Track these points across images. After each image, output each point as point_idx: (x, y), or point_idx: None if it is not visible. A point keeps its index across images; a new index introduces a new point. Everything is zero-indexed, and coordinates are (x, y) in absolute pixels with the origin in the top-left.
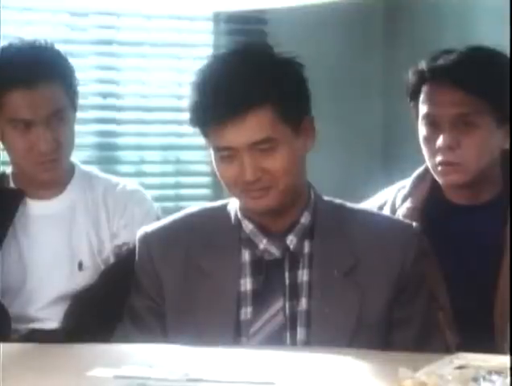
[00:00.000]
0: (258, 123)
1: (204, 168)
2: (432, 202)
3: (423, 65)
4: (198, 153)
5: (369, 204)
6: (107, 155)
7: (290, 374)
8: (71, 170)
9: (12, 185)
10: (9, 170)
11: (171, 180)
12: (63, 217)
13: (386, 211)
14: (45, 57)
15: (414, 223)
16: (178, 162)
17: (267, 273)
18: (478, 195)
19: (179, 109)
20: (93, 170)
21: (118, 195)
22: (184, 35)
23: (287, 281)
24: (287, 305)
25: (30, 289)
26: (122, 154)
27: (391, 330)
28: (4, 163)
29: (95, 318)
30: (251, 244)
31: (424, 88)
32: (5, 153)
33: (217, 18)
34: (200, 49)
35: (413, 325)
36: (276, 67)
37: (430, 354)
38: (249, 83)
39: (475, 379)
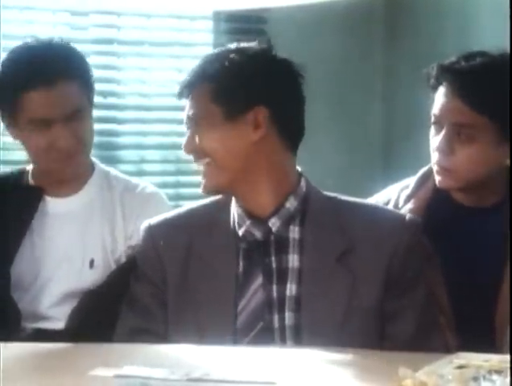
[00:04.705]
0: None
1: None
2: (437, 201)
3: (443, 64)
4: None
5: (372, 201)
6: (107, 154)
7: (291, 373)
8: (90, 168)
9: (31, 182)
10: (28, 167)
11: (172, 179)
12: (79, 215)
13: None
14: (62, 55)
15: (408, 216)
16: (178, 161)
17: (251, 254)
18: (483, 197)
19: (179, 108)
20: (112, 170)
21: (137, 197)
22: (184, 34)
23: (274, 265)
24: (275, 289)
25: (41, 285)
26: (123, 153)
27: (384, 324)
28: (6, 162)
29: (101, 318)
30: (239, 228)
31: (440, 87)
32: (5, 152)
33: (217, 17)
34: (200, 48)
35: (407, 320)
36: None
37: (430, 353)
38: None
39: (475, 379)
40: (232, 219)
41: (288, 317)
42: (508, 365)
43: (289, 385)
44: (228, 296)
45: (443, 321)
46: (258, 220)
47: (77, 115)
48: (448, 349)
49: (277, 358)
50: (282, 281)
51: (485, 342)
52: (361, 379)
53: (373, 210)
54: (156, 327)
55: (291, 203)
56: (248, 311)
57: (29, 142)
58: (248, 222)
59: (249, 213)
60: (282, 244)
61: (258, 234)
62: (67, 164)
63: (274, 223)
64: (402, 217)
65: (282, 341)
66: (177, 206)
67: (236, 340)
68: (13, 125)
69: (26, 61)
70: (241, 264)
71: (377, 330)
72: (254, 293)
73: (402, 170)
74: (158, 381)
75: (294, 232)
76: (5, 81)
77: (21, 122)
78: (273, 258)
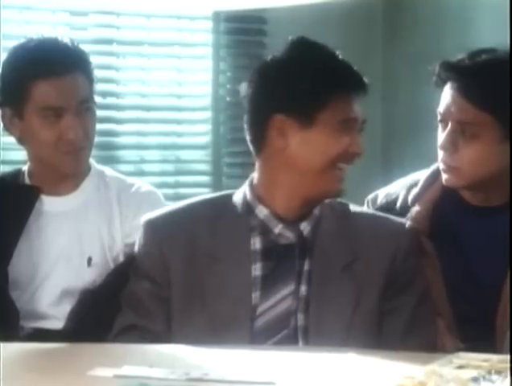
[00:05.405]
0: None
1: (204, 167)
2: (446, 200)
3: (446, 61)
4: (197, 153)
5: (383, 193)
6: (107, 154)
7: (291, 374)
8: (87, 167)
9: (27, 181)
10: (24, 167)
11: (171, 179)
12: (76, 213)
13: (397, 209)
14: (70, 49)
15: (407, 223)
16: (177, 161)
17: (280, 257)
18: (491, 196)
19: (178, 108)
20: (107, 169)
21: (133, 196)
22: (184, 34)
23: (297, 268)
24: (294, 291)
25: (38, 284)
26: (122, 154)
27: (383, 321)
28: (6, 162)
29: (100, 318)
30: (264, 230)
31: (445, 85)
32: (5, 152)
33: (217, 17)
34: (199, 48)
35: (400, 317)
36: None
37: (430, 353)
38: None
39: (475, 379)
40: (241, 215)
41: (299, 318)
42: (508, 365)
43: (289, 385)
44: (243, 294)
45: (441, 322)
46: (288, 223)
47: (85, 106)
48: (432, 343)
49: (277, 358)
50: (299, 284)
51: (488, 342)
52: (361, 378)
53: (375, 219)
54: (153, 325)
55: (318, 210)
56: (273, 315)
57: (36, 135)
58: (280, 225)
59: (276, 214)
60: (304, 248)
61: (291, 236)
62: (73, 157)
63: (305, 228)
64: (402, 224)
65: (295, 341)
66: None
67: (254, 341)
68: (19, 118)
69: (35, 51)
70: (259, 265)
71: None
72: (284, 297)
73: (401, 170)
74: (158, 381)
75: (312, 237)
76: (13, 71)
77: (29, 113)
78: (296, 261)
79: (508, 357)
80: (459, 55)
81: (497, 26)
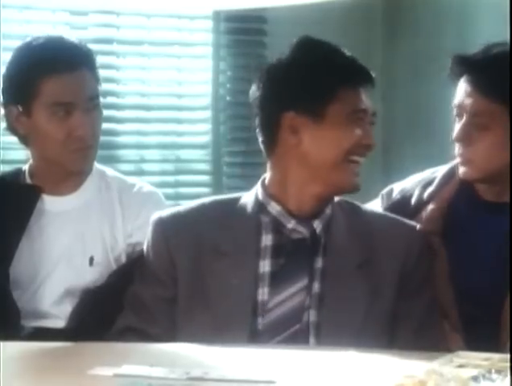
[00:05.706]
0: None
1: (204, 166)
2: (460, 197)
3: (459, 55)
4: (197, 152)
5: (398, 188)
6: (107, 154)
7: (291, 372)
8: (91, 166)
9: (28, 181)
10: (24, 166)
11: (171, 179)
12: (78, 213)
13: (412, 206)
14: (77, 47)
15: (418, 225)
16: (177, 160)
17: (291, 253)
18: (504, 191)
19: (178, 108)
20: (108, 169)
21: (135, 196)
22: (184, 34)
23: (308, 265)
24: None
25: (40, 283)
26: (122, 153)
27: (395, 323)
28: (6, 162)
29: (102, 318)
30: (276, 226)
31: (460, 79)
32: (5, 152)
33: (217, 16)
34: (199, 48)
35: (410, 322)
36: None
37: (430, 352)
38: None
39: (475, 378)
40: (251, 214)
41: (311, 314)
42: (508, 364)
43: (289, 384)
44: (247, 289)
45: (446, 323)
46: (301, 219)
47: (94, 104)
48: (448, 349)
49: (277, 356)
50: (311, 280)
51: (494, 340)
52: (361, 377)
53: (385, 219)
54: (152, 329)
55: (329, 209)
56: (284, 309)
57: (44, 132)
58: (293, 221)
59: (288, 211)
60: (316, 245)
61: (304, 231)
62: (81, 155)
63: (317, 225)
64: (413, 227)
65: (307, 337)
66: (176, 205)
67: (265, 336)
68: (26, 116)
69: (43, 49)
70: (268, 261)
71: (391, 330)
72: (295, 292)
73: (401, 170)
74: (158, 380)
75: (324, 236)
76: (21, 69)
77: (37, 110)
78: (308, 257)
79: (508, 356)
80: (474, 50)
81: (498, 25)
